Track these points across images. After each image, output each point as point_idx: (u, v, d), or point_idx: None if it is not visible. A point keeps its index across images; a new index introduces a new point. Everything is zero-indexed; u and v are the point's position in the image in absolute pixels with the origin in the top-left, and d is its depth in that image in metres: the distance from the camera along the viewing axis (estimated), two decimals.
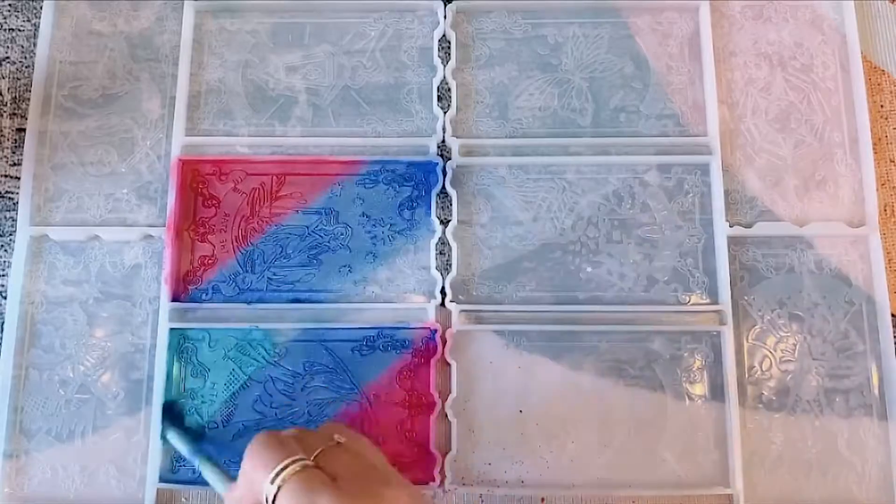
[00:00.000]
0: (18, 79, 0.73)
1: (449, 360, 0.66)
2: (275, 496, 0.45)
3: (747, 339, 0.68)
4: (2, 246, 0.70)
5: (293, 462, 0.46)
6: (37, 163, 0.71)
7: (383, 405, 0.66)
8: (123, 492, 0.66)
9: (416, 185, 0.70)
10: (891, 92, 0.73)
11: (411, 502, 0.46)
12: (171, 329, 0.67)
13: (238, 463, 0.64)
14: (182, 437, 0.64)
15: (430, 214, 0.69)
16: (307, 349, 0.67)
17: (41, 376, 0.67)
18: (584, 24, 0.74)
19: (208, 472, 0.58)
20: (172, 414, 0.66)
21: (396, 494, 0.46)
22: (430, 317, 0.67)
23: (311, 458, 0.47)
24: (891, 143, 0.72)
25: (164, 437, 0.65)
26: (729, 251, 0.68)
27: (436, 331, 0.67)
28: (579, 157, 0.71)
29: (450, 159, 0.70)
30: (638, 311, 0.68)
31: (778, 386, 0.67)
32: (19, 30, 0.74)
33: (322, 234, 0.69)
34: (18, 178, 0.71)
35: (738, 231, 0.69)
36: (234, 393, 0.67)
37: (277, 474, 0.45)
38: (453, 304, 0.68)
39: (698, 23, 0.73)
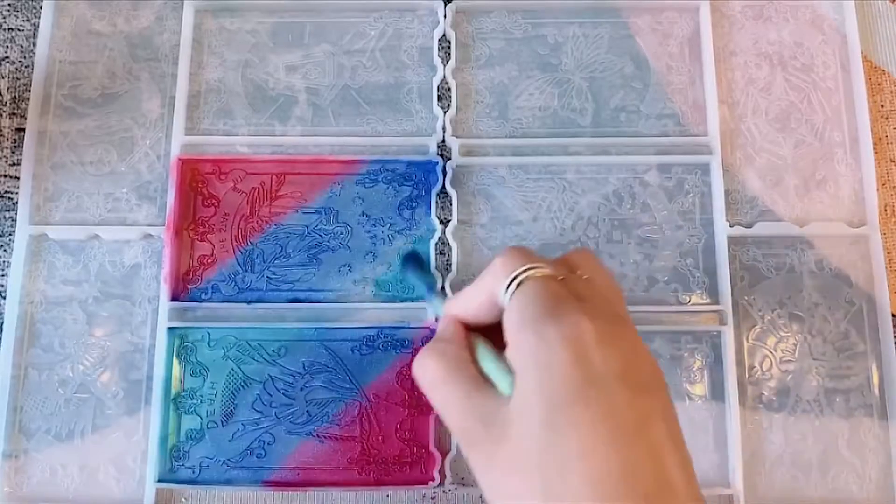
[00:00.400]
0: (18, 79, 0.73)
1: None
2: (511, 295, 0.43)
3: (747, 339, 0.68)
4: (1, 246, 0.70)
5: (535, 268, 0.44)
6: (36, 162, 0.71)
7: (383, 405, 0.66)
8: (123, 491, 0.66)
9: (416, 184, 0.70)
10: (891, 92, 0.73)
11: (647, 354, 0.43)
12: (171, 328, 0.67)
13: (237, 464, 0.65)
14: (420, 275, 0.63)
15: (429, 214, 0.69)
16: (307, 349, 0.67)
17: (40, 376, 0.67)
18: (584, 24, 0.74)
19: (436, 303, 0.56)
20: (415, 260, 0.65)
21: (635, 333, 0.43)
22: (430, 316, 0.68)
23: (557, 277, 0.44)
24: (891, 143, 0.72)
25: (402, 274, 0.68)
26: (729, 251, 0.69)
27: (435, 331, 0.66)
28: (579, 157, 0.71)
29: (450, 159, 0.70)
30: (638, 311, 0.68)
31: (778, 386, 0.67)
32: (19, 29, 0.74)
33: (322, 234, 0.69)
34: (18, 178, 0.71)
35: (739, 231, 0.69)
36: (233, 392, 0.67)
37: (516, 276, 0.43)
38: None
39: (698, 22, 0.74)
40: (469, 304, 0.46)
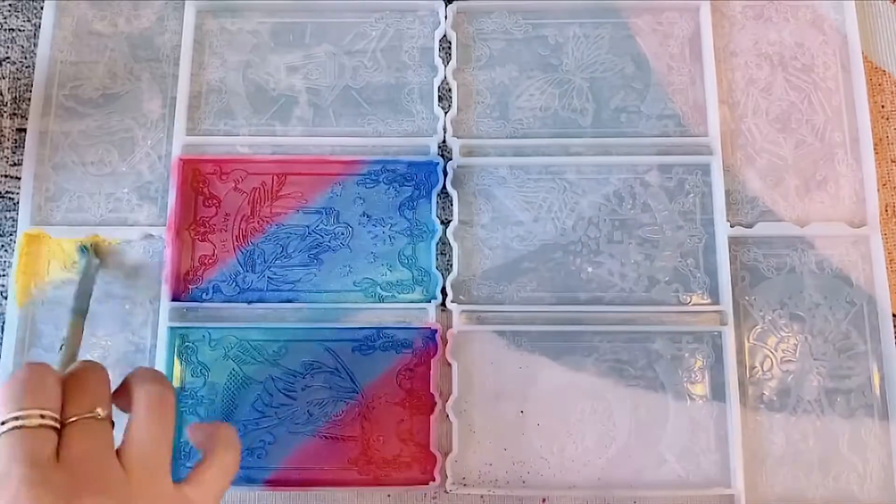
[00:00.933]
0: (19, 79, 0.73)
1: (450, 360, 0.67)
2: None
3: (748, 340, 0.68)
4: (2, 246, 0.70)
5: (26, 417, 0.42)
6: (37, 163, 0.71)
7: (383, 405, 0.67)
8: None
9: (417, 185, 0.70)
10: (892, 92, 0.73)
11: None
12: (171, 328, 0.67)
13: (239, 463, 0.65)
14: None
15: (431, 214, 0.70)
16: (307, 349, 0.68)
17: None
18: (584, 25, 0.74)
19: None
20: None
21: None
22: (431, 317, 0.68)
23: (55, 423, 0.43)
24: (892, 144, 0.72)
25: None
26: (730, 251, 0.69)
27: (436, 331, 0.67)
28: (580, 158, 0.71)
29: (450, 159, 0.70)
30: (639, 311, 0.68)
31: (779, 386, 0.67)
32: (19, 30, 0.74)
33: (323, 234, 0.70)
34: (19, 178, 0.71)
35: (739, 231, 0.69)
36: (234, 392, 0.67)
37: (4, 422, 0.42)
38: (454, 304, 0.68)
39: (699, 23, 0.74)
40: None
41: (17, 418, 0.42)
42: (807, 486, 0.66)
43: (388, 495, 0.66)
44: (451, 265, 0.69)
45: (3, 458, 0.41)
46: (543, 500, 0.66)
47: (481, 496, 0.66)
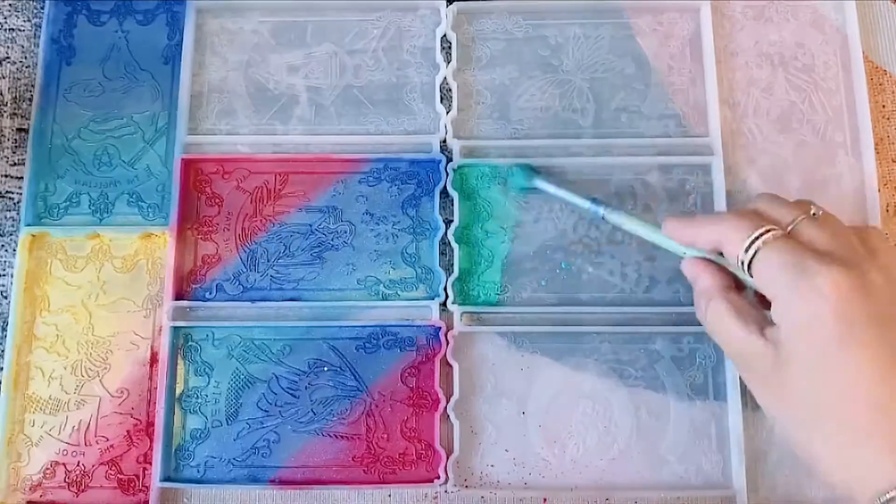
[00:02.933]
0: (19, 79, 0.74)
1: (451, 361, 0.68)
2: (749, 262, 0.51)
3: None
4: (3, 245, 0.71)
5: (767, 231, 0.51)
6: (38, 162, 0.72)
7: (388, 403, 0.68)
8: (125, 491, 0.67)
9: (420, 182, 0.72)
10: (892, 92, 0.75)
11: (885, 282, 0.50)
12: (175, 328, 0.69)
13: (242, 463, 0.67)
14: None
15: (433, 212, 0.71)
16: (311, 347, 0.69)
17: (43, 376, 0.69)
18: (584, 25, 0.75)
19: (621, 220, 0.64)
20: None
21: (886, 263, 0.51)
22: (434, 315, 0.69)
23: (786, 230, 0.52)
24: (892, 143, 0.74)
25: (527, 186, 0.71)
26: None
27: (440, 328, 0.68)
28: (581, 158, 0.72)
29: (451, 160, 0.72)
30: (640, 311, 0.69)
31: None
32: (20, 30, 0.75)
33: (325, 233, 0.71)
34: (19, 178, 0.72)
35: None
36: (238, 391, 0.68)
37: (752, 242, 0.51)
38: (455, 305, 0.69)
39: (699, 23, 0.75)
40: (695, 241, 0.57)
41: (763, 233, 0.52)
42: (807, 486, 0.67)
43: (389, 495, 0.67)
44: (453, 266, 0.70)
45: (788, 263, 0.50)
46: (545, 501, 0.67)
47: (482, 497, 0.67)
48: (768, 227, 0.51)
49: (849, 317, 0.47)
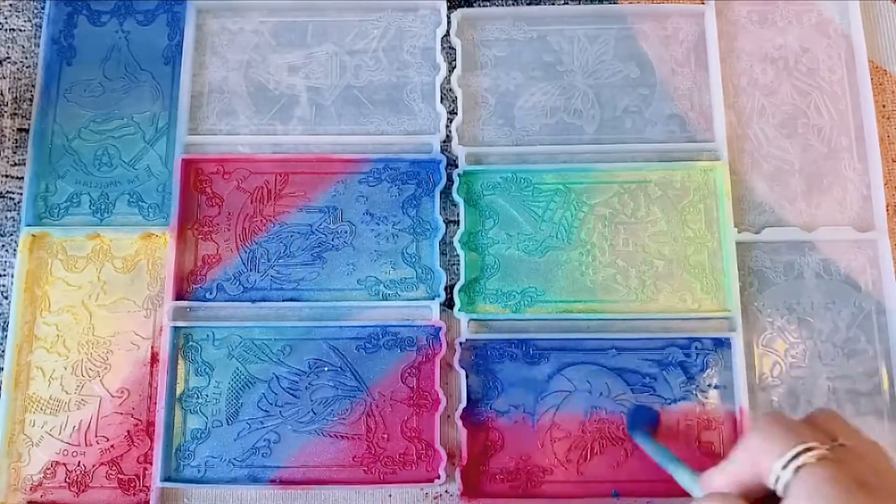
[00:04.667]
0: (20, 79, 0.76)
1: (458, 369, 0.69)
2: (788, 481, 0.46)
3: (757, 345, 0.71)
4: (3, 246, 0.73)
5: (810, 449, 0.46)
6: (39, 162, 0.73)
7: (389, 403, 0.70)
8: (125, 491, 0.69)
9: (420, 182, 0.73)
10: (893, 92, 0.77)
11: None
12: (175, 328, 0.70)
13: (242, 463, 0.68)
14: (650, 441, 0.67)
15: (434, 212, 0.72)
16: (311, 347, 0.71)
17: (43, 376, 0.70)
18: (588, 30, 0.77)
19: (681, 474, 0.59)
20: (645, 418, 0.69)
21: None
22: (434, 315, 0.71)
23: (828, 449, 0.47)
24: (893, 143, 0.75)
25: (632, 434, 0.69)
26: (737, 257, 0.71)
27: (440, 329, 0.70)
28: (585, 163, 0.74)
29: (456, 167, 0.73)
30: (647, 317, 0.71)
31: (788, 391, 0.70)
32: (20, 30, 0.77)
33: (326, 233, 0.73)
34: (20, 178, 0.74)
35: (747, 236, 0.72)
36: (238, 391, 0.70)
37: (795, 457, 0.46)
38: (462, 313, 0.71)
39: (704, 28, 0.77)
40: (733, 480, 0.50)
41: (806, 450, 0.46)
42: None
43: (389, 495, 0.69)
44: (458, 272, 0.71)
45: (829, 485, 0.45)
46: None
47: None
48: (811, 444, 0.46)
49: None
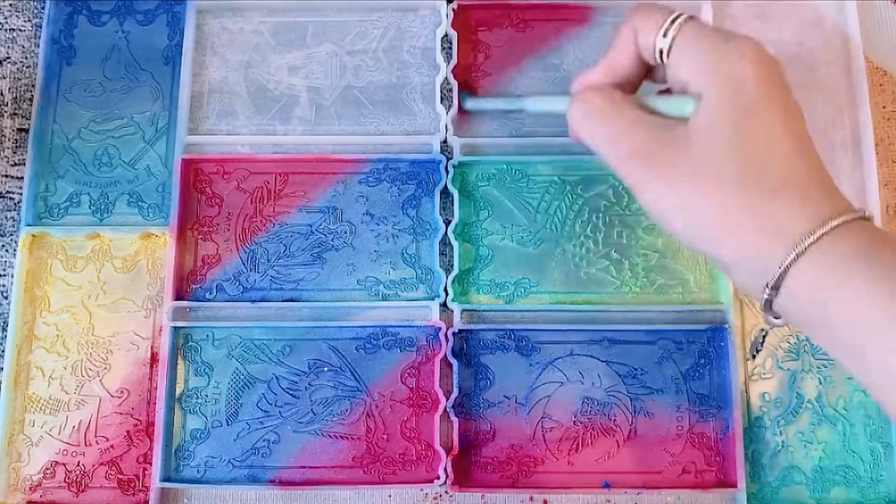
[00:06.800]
0: (19, 79, 0.75)
1: (451, 359, 0.68)
2: (669, 49, 0.49)
3: (749, 339, 0.70)
4: (3, 246, 0.72)
5: (681, 14, 0.50)
6: (38, 162, 0.72)
7: (388, 403, 0.68)
8: (125, 491, 0.67)
9: (420, 183, 0.72)
10: (892, 92, 0.75)
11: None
12: (175, 328, 0.69)
13: (242, 463, 0.67)
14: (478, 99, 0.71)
15: (433, 212, 0.71)
16: (311, 348, 0.69)
17: (43, 376, 0.69)
18: (584, 24, 0.75)
19: (538, 103, 0.60)
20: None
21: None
22: (434, 315, 0.69)
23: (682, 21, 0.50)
24: (893, 144, 0.74)
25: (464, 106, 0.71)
26: None
27: (440, 329, 0.69)
28: (581, 156, 0.72)
29: (451, 158, 0.72)
30: (639, 310, 0.70)
31: (780, 385, 0.69)
32: (20, 30, 0.76)
33: (326, 233, 0.71)
34: (20, 178, 0.72)
35: None
36: (237, 392, 0.68)
37: (671, 23, 0.49)
38: (455, 303, 0.69)
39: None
40: (615, 64, 0.53)
41: (679, 15, 0.50)
42: (809, 485, 0.67)
43: (389, 495, 0.68)
44: (453, 264, 0.70)
45: (713, 32, 0.49)
46: (545, 502, 0.68)
47: (483, 496, 0.68)
48: (680, 13, 0.50)
49: (768, 79, 0.47)
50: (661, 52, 0.50)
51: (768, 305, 0.46)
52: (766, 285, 0.45)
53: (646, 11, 0.51)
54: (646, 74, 0.54)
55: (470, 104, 0.70)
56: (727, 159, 0.46)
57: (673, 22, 0.49)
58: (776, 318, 0.47)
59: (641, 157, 0.49)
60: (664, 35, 0.49)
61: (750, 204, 0.45)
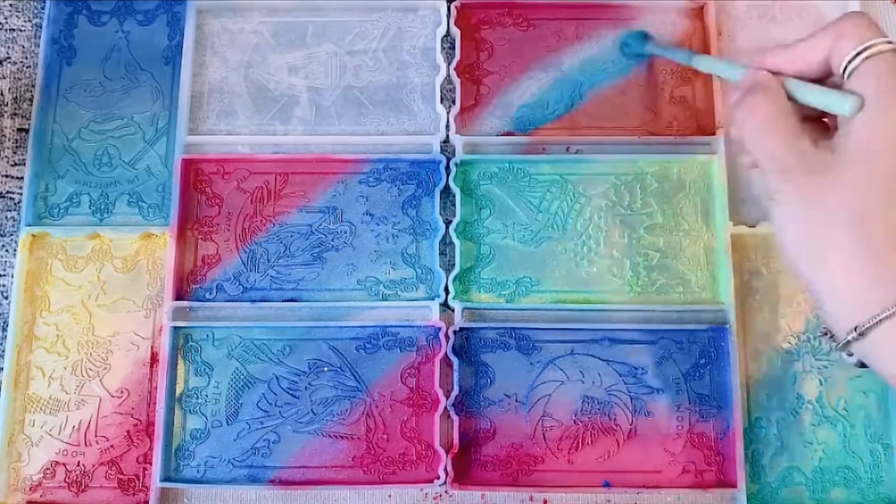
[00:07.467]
0: (20, 79, 0.74)
1: (451, 358, 0.68)
2: (856, 67, 0.48)
3: (750, 339, 0.70)
4: (3, 246, 0.71)
5: (885, 42, 0.48)
6: (38, 162, 0.72)
7: (388, 403, 0.68)
8: (125, 491, 0.67)
9: (420, 183, 0.72)
10: None
11: None
12: (175, 328, 0.68)
13: (242, 463, 0.66)
14: (660, 47, 0.72)
15: (434, 212, 0.71)
16: (311, 348, 0.69)
17: (43, 376, 0.68)
18: (587, 24, 0.75)
19: (711, 63, 0.61)
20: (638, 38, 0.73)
21: None
22: (434, 315, 0.69)
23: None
24: None
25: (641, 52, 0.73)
26: (732, 250, 0.69)
27: (440, 329, 0.68)
28: (582, 156, 0.72)
29: (453, 157, 0.71)
30: (641, 309, 0.69)
31: (780, 385, 0.69)
32: (20, 30, 0.75)
33: (326, 233, 0.71)
34: (20, 178, 0.72)
35: (742, 230, 0.70)
36: (238, 391, 0.68)
37: (868, 47, 0.47)
38: (456, 301, 0.69)
39: (703, 22, 0.75)
40: (800, 58, 0.51)
41: (882, 42, 0.48)
42: (809, 485, 0.67)
43: (389, 495, 0.67)
44: (454, 263, 0.70)
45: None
46: (545, 502, 0.67)
47: (483, 495, 0.67)
48: (887, 39, 0.48)
49: None
50: (848, 69, 0.48)
51: (846, 344, 0.45)
52: (855, 328, 0.44)
53: (859, 22, 0.49)
54: (821, 78, 0.52)
55: (649, 48, 0.71)
56: (870, 192, 0.45)
57: (872, 46, 0.48)
58: (849, 355, 0.47)
59: (786, 172, 0.48)
60: (857, 54, 0.48)
61: (875, 247, 0.45)
